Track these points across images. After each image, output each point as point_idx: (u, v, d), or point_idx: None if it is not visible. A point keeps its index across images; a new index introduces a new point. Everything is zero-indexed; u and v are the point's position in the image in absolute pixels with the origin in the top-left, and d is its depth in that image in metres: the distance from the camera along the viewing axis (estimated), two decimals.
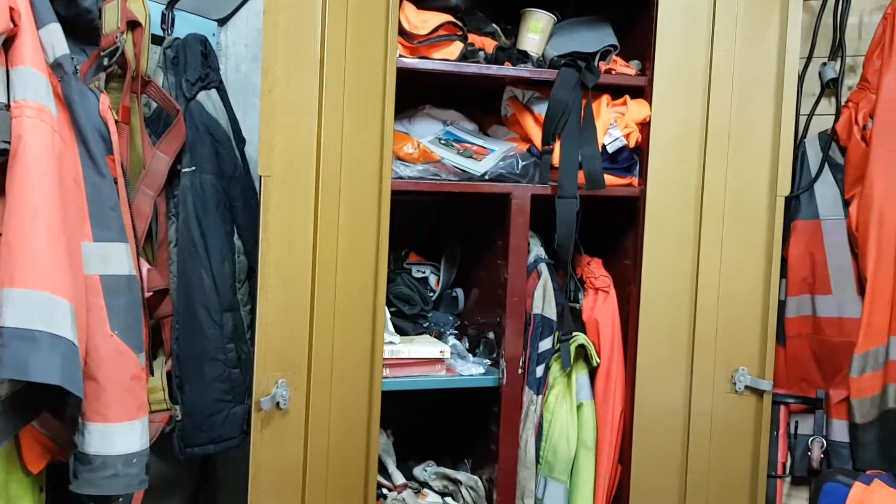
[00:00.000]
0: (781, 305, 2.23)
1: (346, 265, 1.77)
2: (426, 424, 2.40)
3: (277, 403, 1.68)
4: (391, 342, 1.93)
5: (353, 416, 1.81)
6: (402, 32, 1.86)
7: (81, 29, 1.62)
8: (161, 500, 2.29)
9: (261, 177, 1.67)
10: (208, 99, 2.05)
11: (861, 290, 2.12)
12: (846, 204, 2.18)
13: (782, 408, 2.23)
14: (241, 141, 2.13)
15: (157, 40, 2.07)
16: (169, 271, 1.98)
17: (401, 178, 1.90)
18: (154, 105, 2.04)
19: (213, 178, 2.00)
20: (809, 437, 2.22)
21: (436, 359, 1.98)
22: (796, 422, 2.25)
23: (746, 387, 2.02)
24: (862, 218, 2.10)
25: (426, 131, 2.07)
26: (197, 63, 2.04)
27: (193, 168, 1.98)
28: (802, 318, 2.23)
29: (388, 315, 1.99)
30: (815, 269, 2.21)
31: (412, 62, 1.87)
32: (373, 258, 1.81)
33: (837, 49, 2.25)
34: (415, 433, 2.34)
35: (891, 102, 2.09)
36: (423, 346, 1.98)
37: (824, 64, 2.27)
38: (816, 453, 2.20)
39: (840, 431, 2.17)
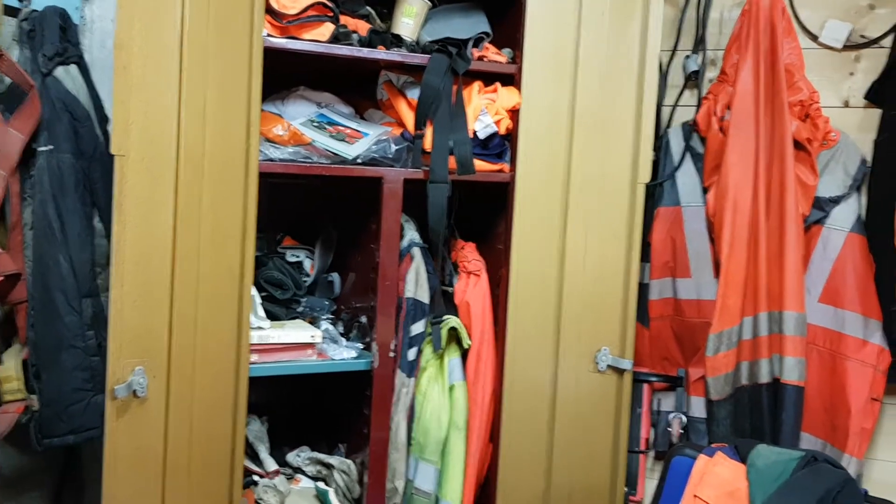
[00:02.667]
0: (645, 288, 2.33)
1: (210, 249, 1.73)
2: (302, 409, 2.39)
3: (134, 391, 1.64)
4: (260, 327, 1.91)
5: (219, 404, 1.78)
6: (271, 11, 1.83)
7: None
8: (22, 493, 2.20)
9: (114, 156, 1.61)
10: (67, 75, 1.97)
11: (717, 274, 2.24)
12: (705, 191, 2.29)
13: (646, 386, 2.34)
14: (103, 119, 2.05)
15: (12, 12, 1.96)
16: (23, 255, 1.90)
17: (270, 160, 1.87)
18: (9, 80, 1.93)
19: (72, 157, 1.94)
20: (671, 413, 2.34)
21: (306, 343, 1.96)
22: (659, 399, 2.37)
23: (608, 366, 2.10)
24: (718, 205, 2.21)
25: (299, 113, 2.04)
26: (55, 37, 1.96)
27: (51, 147, 1.91)
28: (664, 300, 2.34)
29: (259, 300, 1.97)
30: (676, 253, 2.31)
31: (281, 42, 1.83)
32: (239, 242, 1.78)
33: (699, 42, 2.35)
34: (291, 419, 2.33)
35: (746, 95, 2.21)
36: (294, 331, 1.96)
37: (687, 57, 2.37)
38: (676, 429, 2.32)
39: (698, 408, 2.30)
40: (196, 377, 1.74)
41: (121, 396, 1.62)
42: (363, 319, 2.08)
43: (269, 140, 1.88)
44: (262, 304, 2.00)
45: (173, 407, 1.71)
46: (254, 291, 1.87)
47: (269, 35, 1.82)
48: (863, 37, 2.22)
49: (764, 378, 2.18)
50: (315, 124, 2.01)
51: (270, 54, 1.79)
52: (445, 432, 2.05)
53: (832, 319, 2.19)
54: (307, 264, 2.24)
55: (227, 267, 1.77)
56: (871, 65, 2.22)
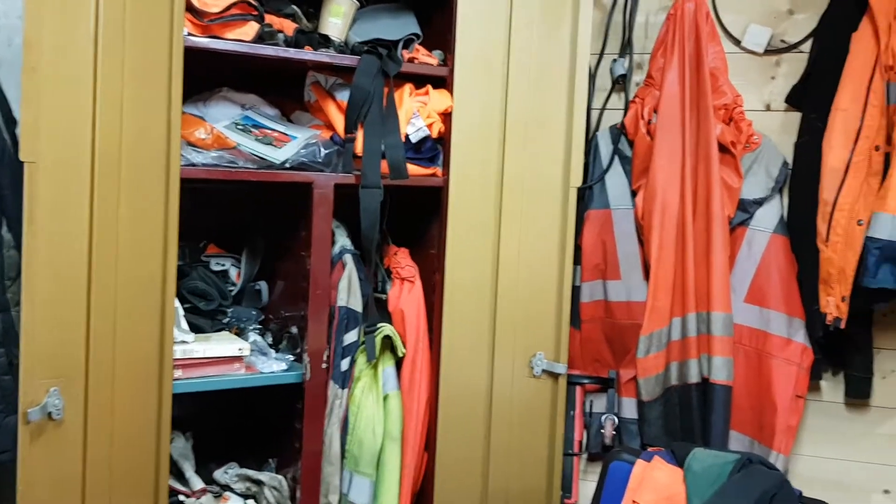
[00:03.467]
0: (577, 291, 2.33)
1: (129, 259, 1.64)
2: (230, 424, 2.30)
3: (49, 414, 1.53)
4: (184, 341, 1.82)
5: (141, 423, 1.68)
6: (192, 9, 1.74)
7: None
8: None
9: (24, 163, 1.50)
10: None
11: (647, 276, 2.26)
12: (634, 194, 2.31)
13: (578, 388, 2.35)
14: (11, 122, 1.92)
15: None
16: None
17: (192, 165, 1.78)
18: None
19: None
20: (602, 415, 2.35)
21: (233, 357, 1.88)
22: (591, 401, 2.38)
23: (543, 371, 2.09)
24: (646, 207, 2.24)
25: (223, 115, 1.96)
26: None
27: None
28: (595, 302, 2.35)
29: (182, 312, 1.87)
30: (606, 255, 2.33)
31: (202, 41, 1.75)
32: (160, 251, 1.69)
33: (626, 46, 2.37)
34: (218, 434, 2.23)
35: (672, 98, 2.24)
36: (220, 345, 1.88)
37: (615, 60, 2.39)
38: (608, 430, 2.33)
39: (629, 409, 2.32)
40: (116, 397, 1.64)
41: (35, 420, 1.52)
42: (293, 330, 2.01)
43: (190, 144, 1.80)
44: (186, 316, 1.90)
45: (92, 429, 1.61)
46: (176, 303, 1.78)
47: (190, 34, 1.73)
48: (783, 41, 2.29)
49: (693, 378, 2.21)
50: (240, 127, 1.93)
51: (192, 54, 1.71)
52: (380, 443, 2.01)
53: (757, 319, 2.24)
54: (233, 273, 2.15)
55: (147, 278, 1.68)
56: (791, 69, 2.28)
